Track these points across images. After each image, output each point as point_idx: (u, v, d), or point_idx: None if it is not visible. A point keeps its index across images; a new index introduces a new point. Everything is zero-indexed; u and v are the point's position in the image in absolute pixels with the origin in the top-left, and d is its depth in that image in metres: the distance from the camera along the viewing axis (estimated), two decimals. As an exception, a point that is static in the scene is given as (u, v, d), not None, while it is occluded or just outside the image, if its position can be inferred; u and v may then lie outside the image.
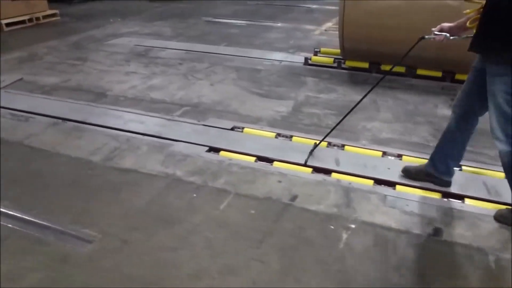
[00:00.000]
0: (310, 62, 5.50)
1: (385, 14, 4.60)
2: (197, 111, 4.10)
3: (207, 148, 3.42)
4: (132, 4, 9.77)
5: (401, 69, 5.10)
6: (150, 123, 3.84)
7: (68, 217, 2.60)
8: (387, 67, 5.13)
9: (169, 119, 3.90)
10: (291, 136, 3.60)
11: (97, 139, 3.54)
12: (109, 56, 5.81)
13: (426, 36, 2.61)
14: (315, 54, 5.71)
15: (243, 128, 3.74)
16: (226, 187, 2.90)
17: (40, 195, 2.83)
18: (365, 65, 5.19)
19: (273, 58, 5.71)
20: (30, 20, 7.64)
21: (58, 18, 8.14)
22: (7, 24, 7.29)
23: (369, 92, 3.17)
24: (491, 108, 2.36)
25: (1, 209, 2.67)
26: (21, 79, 4.95)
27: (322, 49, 5.75)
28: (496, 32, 2.20)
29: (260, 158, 3.29)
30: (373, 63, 5.14)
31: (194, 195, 2.82)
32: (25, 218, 2.60)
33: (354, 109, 4.14)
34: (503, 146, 2.38)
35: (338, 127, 3.76)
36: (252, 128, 3.74)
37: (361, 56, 5.20)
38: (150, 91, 4.59)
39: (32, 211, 2.65)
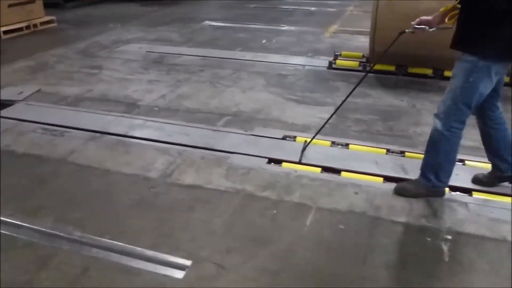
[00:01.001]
0: (334, 66, 5.41)
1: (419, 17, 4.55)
2: (240, 120, 3.94)
3: (266, 159, 3.27)
4: (127, 9, 9.47)
5: (428, 71, 5.10)
6: (196, 134, 3.65)
7: (147, 241, 2.40)
8: (414, 70, 5.14)
9: (214, 130, 3.73)
10: (347, 144, 3.49)
11: (146, 154, 3.34)
12: (124, 64, 5.56)
13: (406, 30, 2.71)
14: (336, 57, 5.63)
15: (294, 137, 3.61)
16: (304, 201, 2.76)
17: (108, 218, 2.61)
18: (391, 67, 5.14)
19: (295, 63, 5.61)
20: (27, 27, 7.27)
21: (55, 24, 7.79)
22: (5, 32, 6.90)
23: (353, 90, 3.29)
24: (448, 88, 2.49)
25: (71, 236, 2.44)
26: (39, 90, 4.65)
27: (343, 53, 5.68)
28: (473, 27, 2.32)
29: (325, 169, 3.16)
30: (400, 65, 5.10)
31: (274, 211, 2.67)
32: (101, 245, 2.38)
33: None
34: (438, 124, 2.53)
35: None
36: (304, 137, 3.60)
37: (388, 59, 5.14)
38: (181, 100, 4.39)
39: (105, 236, 2.44)
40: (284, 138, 3.61)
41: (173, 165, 3.17)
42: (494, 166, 2.89)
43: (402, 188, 2.83)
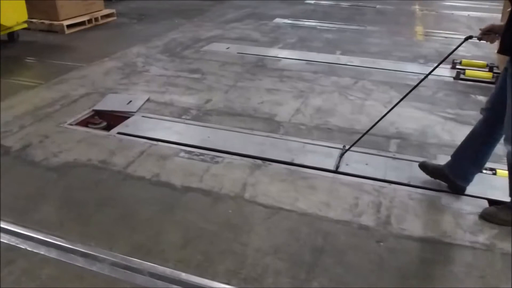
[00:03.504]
0: (463, 76, 4.83)
1: None
2: (413, 145, 3.36)
3: (484, 200, 2.69)
4: (181, 2, 8.75)
5: None
6: (376, 163, 3.08)
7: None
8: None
9: (394, 158, 3.15)
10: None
11: (337, 190, 2.75)
12: (224, 67, 4.93)
13: (474, 36, 2.52)
14: (454, 65, 5.09)
15: (493, 169, 3.03)
16: None
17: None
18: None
19: (413, 71, 5.03)
20: (89, 21, 6.60)
21: (115, 18, 7.10)
22: (68, 26, 6.21)
23: (405, 96, 2.97)
24: (508, 108, 2.25)
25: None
26: (149, 99, 4.01)
27: (464, 61, 5.11)
28: None
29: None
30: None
31: (562, 280, 2.09)
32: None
33: None
34: (510, 147, 2.31)
35: None
36: (503, 170, 3.02)
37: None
38: (324, 116, 3.80)
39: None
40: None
41: (382, 208, 2.58)
42: (448, 165, 2.70)
43: (491, 213, 2.50)
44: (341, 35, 6.54)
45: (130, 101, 3.93)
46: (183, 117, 3.70)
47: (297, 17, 7.64)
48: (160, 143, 3.26)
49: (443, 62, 4.53)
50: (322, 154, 3.16)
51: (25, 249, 2.21)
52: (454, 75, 4.87)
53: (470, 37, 2.52)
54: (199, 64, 5.00)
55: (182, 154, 3.12)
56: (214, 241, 2.28)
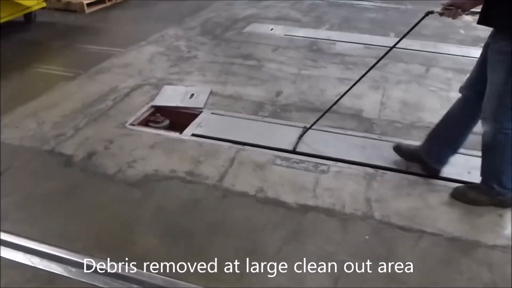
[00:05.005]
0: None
1: None
2: None
3: None
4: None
5: None
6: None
7: None
8: None
9: None
10: None
11: (475, 207, 2.37)
12: (278, 52, 4.47)
13: (435, 10, 2.39)
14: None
15: None
16: None
17: None
18: None
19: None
20: (109, -2, 5.97)
21: (133, -5, 6.48)
22: (88, 5, 5.60)
23: (369, 70, 2.87)
24: (490, 86, 2.14)
25: None
26: (211, 92, 3.54)
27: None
28: (500, 5, 1.99)
29: None
30: None
31: None
32: None
33: None
34: (488, 128, 2.21)
35: None
36: None
37: None
38: (412, 110, 3.42)
39: None
40: None
41: (536, 228, 2.22)
42: (423, 147, 2.58)
43: (461, 192, 2.40)
44: (385, 15, 6.08)
45: (193, 95, 3.46)
46: (260, 113, 3.26)
47: (327, -6, 7.11)
48: (246, 147, 2.83)
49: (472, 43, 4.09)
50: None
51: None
52: None
53: (431, 12, 2.40)
54: (249, 49, 4.51)
55: (278, 161, 2.69)
56: (367, 278, 1.89)
